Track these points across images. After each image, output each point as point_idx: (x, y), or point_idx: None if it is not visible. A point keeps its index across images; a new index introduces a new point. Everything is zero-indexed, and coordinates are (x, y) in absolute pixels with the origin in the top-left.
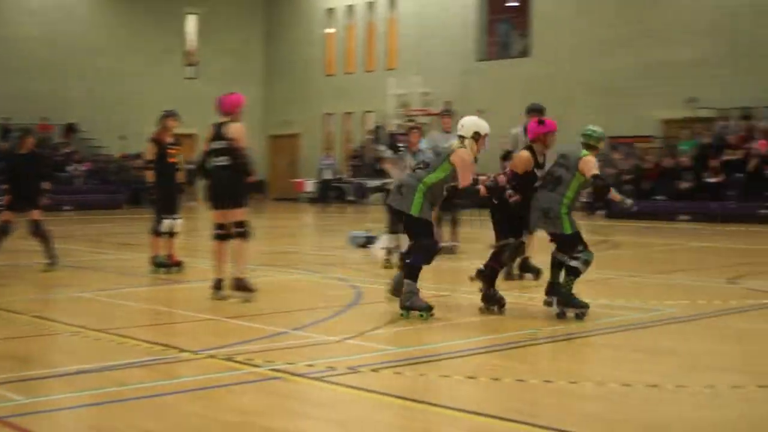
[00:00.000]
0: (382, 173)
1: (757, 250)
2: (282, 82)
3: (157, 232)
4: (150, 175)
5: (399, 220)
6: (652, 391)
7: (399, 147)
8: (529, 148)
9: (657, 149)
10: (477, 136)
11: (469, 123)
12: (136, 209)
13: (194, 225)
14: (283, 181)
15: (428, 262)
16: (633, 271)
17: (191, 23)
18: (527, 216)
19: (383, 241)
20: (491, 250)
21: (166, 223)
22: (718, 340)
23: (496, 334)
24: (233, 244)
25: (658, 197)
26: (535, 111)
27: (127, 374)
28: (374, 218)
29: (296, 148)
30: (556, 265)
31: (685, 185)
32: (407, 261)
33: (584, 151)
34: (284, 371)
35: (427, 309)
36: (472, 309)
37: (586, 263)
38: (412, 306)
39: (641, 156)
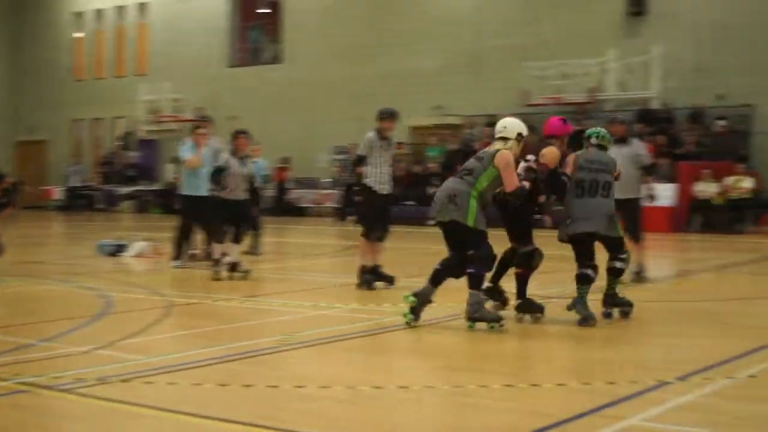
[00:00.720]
0: (132, 180)
1: None
2: (30, 87)
3: None
4: None
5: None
6: (402, 392)
7: (221, 168)
8: (548, 143)
9: (407, 155)
10: (520, 138)
11: (513, 124)
12: None
13: None
14: (30, 189)
15: (490, 269)
16: None
17: None
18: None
19: (135, 248)
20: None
21: None
22: (466, 341)
23: (250, 340)
24: None
25: (408, 203)
26: (390, 115)
27: None
28: (125, 226)
29: (44, 154)
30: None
31: (433, 191)
32: (469, 271)
33: (611, 155)
34: (32, 384)
35: (497, 320)
36: (224, 316)
37: (628, 263)
38: (482, 318)
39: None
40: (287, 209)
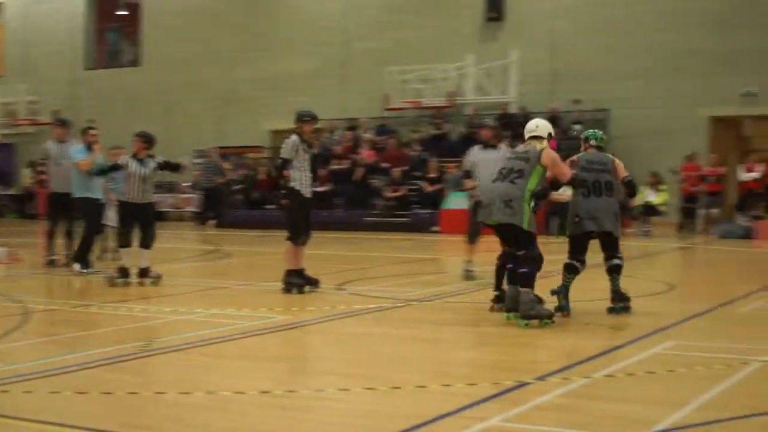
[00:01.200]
0: None
1: (364, 257)
2: None
3: None
4: None
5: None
6: (264, 397)
7: (117, 166)
8: None
9: (268, 159)
10: (550, 137)
11: (544, 124)
12: None
13: None
14: None
15: (540, 269)
16: (244, 280)
17: None
18: None
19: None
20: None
21: None
22: (327, 344)
23: (109, 347)
24: None
25: (269, 207)
26: (312, 118)
27: None
28: None
29: None
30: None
31: None
32: (521, 271)
33: (609, 155)
34: None
35: (550, 316)
36: (83, 323)
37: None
38: (536, 315)
39: (253, 166)
40: None
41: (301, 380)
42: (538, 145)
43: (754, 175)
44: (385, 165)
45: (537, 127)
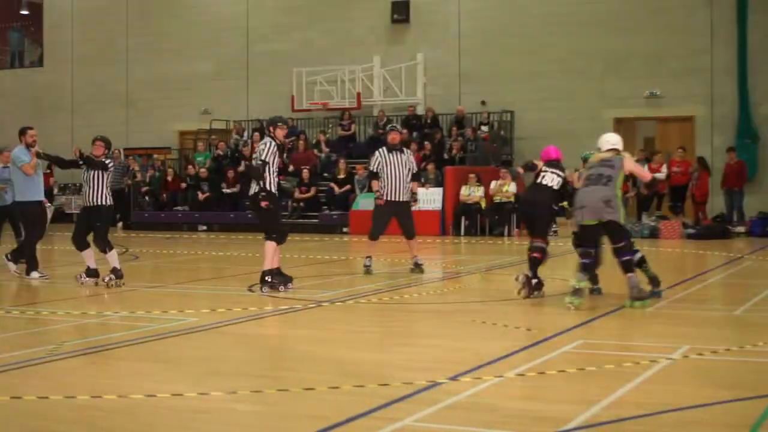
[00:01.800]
0: None
1: None
2: None
3: None
4: None
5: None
6: (176, 400)
7: (79, 161)
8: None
9: (175, 160)
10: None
11: (618, 138)
12: None
13: None
14: None
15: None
16: (153, 282)
17: None
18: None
19: None
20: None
21: None
22: (238, 346)
23: (18, 351)
24: None
25: (178, 208)
26: (286, 122)
27: None
28: None
29: None
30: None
31: (203, 196)
32: (625, 258)
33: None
34: None
35: (651, 297)
36: None
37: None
38: (642, 297)
39: (160, 167)
40: (53, 215)
41: (213, 382)
42: (617, 155)
43: (659, 176)
44: (293, 166)
45: (617, 142)
